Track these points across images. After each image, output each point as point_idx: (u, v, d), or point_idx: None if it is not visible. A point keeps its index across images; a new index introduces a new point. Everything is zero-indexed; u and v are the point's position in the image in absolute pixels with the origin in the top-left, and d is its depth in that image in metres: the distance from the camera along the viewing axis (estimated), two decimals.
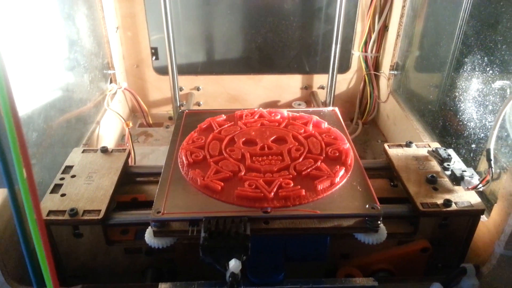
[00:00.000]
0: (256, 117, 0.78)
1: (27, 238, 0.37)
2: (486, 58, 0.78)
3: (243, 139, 0.70)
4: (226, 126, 0.75)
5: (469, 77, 0.85)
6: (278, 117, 0.78)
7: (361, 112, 1.41)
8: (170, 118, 1.41)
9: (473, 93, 0.84)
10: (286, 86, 1.41)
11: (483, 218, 0.67)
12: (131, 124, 1.10)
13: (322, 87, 1.41)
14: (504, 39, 0.73)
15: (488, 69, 0.78)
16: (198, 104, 1.42)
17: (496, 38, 0.75)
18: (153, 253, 0.66)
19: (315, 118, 0.77)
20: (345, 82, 1.40)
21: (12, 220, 0.63)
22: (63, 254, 0.66)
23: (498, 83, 0.76)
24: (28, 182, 0.33)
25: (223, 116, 0.78)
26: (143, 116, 1.35)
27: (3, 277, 0.60)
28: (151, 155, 1.22)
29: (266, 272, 0.58)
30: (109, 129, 1.16)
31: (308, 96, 1.42)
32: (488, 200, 0.73)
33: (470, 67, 0.84)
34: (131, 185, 0.77)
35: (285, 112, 0.79)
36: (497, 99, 0.75)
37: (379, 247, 0.63)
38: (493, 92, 0.77)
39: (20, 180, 0.33)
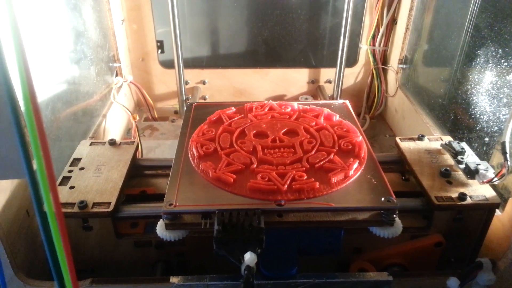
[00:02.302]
0: (266, 110, 0.77)
1: (47, 231, 0.36)
2: (500, 50, 0.77)
3: (254, 131, 0.69)
4: (236, 118, 0.73)
5: (482, 70, 0.84)
6: (289, 109, 0.77)
7: (369, 107, 1.39)
8: (176, 112, 1.40)
9: (486, 85, 0.82)
10: (293, 80, 1.40)
11: (497, 212, 0.66)
12: (137, 117, 1.08)
13: (329, 81, 1.39)
14: None
15: (502, 61, 0.77)
16: (204, 98, 1.41)
17: None
18: (163, 246, 0.66)
19: (326, 110, 0.76)
20: (352, 76, 1.39)
21: (19, 213, 0.62)
22: (72, 247, 0.64)
23: None
24: (47, 173, 0.32)
25: (233, 109, 0.77)
26: (149, 110, 1.34)
27: (12, 270, 0.59)
28: (157, 149, 1.21)
29: (279, 266, 0.57)
30: (115, 122, 1.15)
31: (315, 90, 1.41)
32: (501, 195, 0.71)
33: (483, 60, 0.83)
34: (139, 178, 0.76)
35: (296, 104, 0.78)
36: None
37: (392, 242, 0.62)
38: (508, 84, 0.76)
39: (39, 172, 0.32)
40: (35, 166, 0.32)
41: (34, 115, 0.31)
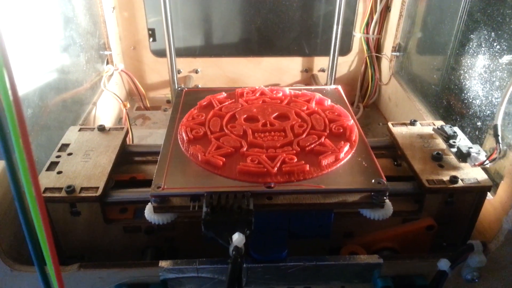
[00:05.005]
0: (257, 95, 0.76)
1: (26, 215, 0.35)
2: (493, 33, 0.76)
3: (245, 115, 0.68)
4: (226, 103, 0.73)
5: (475, 55, 0.83)
6: (280, 94, 0.76)
7: (362, 95, 1.39)
8: (168, 102, 1.38)
9: (479, 70, 0.82)
10: (286, 68, 1.39)
11: (489, 196, 0.65)
12: (128, 105, 1.07)
13: (322, 70, 1.39)
14: None
15: (495, 44, 0.76)
16: (197, 87, 1.40)
17: (505, 11, 0.73)
18: (153, 231, 0.65)
19: (318, 95, 0.75)
20: (346, 64, 1.38)
21: (5, 198, 0.61)
22: (60, 233, 0.64)
23: (506, 58, 0.74)
24: (25, 155, 0.31)
25: (224, 94, 0.76)
26: (141, 99, 1.33)
27: None
28: (149, 138, 1.20)
29: (269, 249, 0.56)
30: (105, 110, 1.14)
31: (309, 79, 1.40)
32: (493, 179, 0.71)
33: (476, 44, 0.82)
34: (129, 164, 0.75)
35: (287, 89, 0.77)
36: (505, 75, 0.74)
37: (384, 225, 0.62)
38: (500, 67, 0.75)
39: (18, 154, 0.31)
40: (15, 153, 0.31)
41: (13, 101, 0.30)
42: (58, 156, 0.68)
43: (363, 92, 1.38)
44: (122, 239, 0.66)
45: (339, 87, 0.82)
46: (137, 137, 1.17)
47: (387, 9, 1.25)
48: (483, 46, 0.80)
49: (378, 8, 1.24)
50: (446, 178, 0.63)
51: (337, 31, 1.23)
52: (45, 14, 0.85)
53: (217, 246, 0.51)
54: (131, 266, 0.59)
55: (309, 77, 1.40)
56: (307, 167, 0.56)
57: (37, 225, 0.34)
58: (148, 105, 1.34)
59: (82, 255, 0.67)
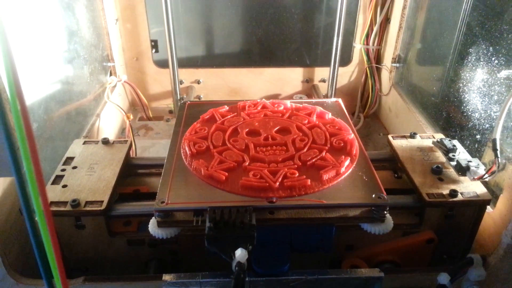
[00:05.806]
0: (259, 108, 0.77)
1: (35, 228, 0.36)
2: (491, 48, 0.78)
3: (247, 129, 0.69)
4: (229, 116, 0.74)
5: (474, 68, 0.85)
6: (281, 108, 0.77)
7: (363, 105, 1.40)
8: (171, 112, 1.40)
9: (478, 83, 0.83)
10: (287, 79, 1.40)
11: (488, 209, 0.66)
12: (131, 117, 1.08)
13: (323, 80, 1.40)
14: (510, 28, 0.73)
15: (493, 59, 0.77)
16: (199, 97, 1.41)
17: (503, 27, 0.74)
18: (156, 244, 0.66)
19: (319, 109, 0.76)
20: (346, 75, 1.39)
21: (12, 211, 0.62)
22: (65, 246, 0.65)
23: (504, 73, 0.75)
24: (34, 171, 0.32)
25: (226, 107, 0.77)
26: (143, 110, 1.34)
27: (4, 269, 0.59)
28: (152, 148, 1.21)
29: (272, 263, 0.57)
30: (109, 122, 1.15)
31: (309, 89, 1.41)
32: (492, 192, 0.72)
33: (475, 58, 0.84)
34: (133, 177, 0.76)
35: (288, 103, 0.78)
36: (503, 89, 0.75)
37: (384, 238, 0.63)
38: (498, 82, 0.76)
39: (27, 170, 0.32)
40: (24, 167, 0.33)
41: (22, 116, 0.31)
42: (63, 170, 0.69)
43: (364, 103, 1.39)
44: (126, 252, 0.67)
45: (340, 100, 0.83)
46: (140, 148, 1.18)
47: (386, 20, 1.26)
48: (482, 60, 0.81)
49: (378, 20, 1.25)
50: (446, 191, 0.64)
51: (337, 42, 1.24)
52: (50, 28, 0.86)
53: (220, 259, 0.52)
54: (135, 279, 0.60)
55: (310, 87, 1.41)
56: (309, 181, 0.57)
57: (45, 240, 0.35)
58: (151, 116, 1.36)
59: (86, 267, 0.68)
